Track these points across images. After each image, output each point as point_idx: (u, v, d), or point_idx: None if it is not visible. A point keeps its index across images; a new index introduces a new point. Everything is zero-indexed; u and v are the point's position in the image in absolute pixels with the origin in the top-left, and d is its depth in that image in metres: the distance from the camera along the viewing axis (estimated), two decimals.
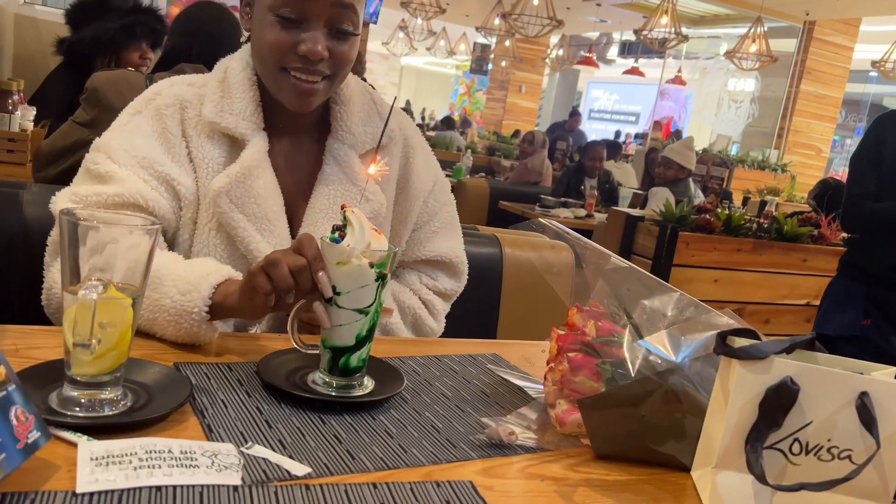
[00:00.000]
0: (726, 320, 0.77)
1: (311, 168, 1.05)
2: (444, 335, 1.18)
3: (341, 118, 1.06)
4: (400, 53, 13.20)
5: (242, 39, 1.26)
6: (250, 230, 0.97)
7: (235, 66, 1.02)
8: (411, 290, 1.14)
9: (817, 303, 2.48)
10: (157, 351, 0.84)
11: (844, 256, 2.21)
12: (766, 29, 7.38)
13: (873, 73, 7.34)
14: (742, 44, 7.28)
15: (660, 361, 0.70)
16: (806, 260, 3.60)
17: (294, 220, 1.04)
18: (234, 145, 1.00)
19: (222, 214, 0.96)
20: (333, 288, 0.74)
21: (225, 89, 1.01)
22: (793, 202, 6.67)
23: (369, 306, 0.75)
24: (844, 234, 2.99)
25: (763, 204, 5.74)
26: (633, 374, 0.70)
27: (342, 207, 0.75)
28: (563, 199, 4.88)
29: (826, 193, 4.17)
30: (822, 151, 8.21)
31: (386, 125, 0.97)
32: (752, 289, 3.56)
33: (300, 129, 1.06)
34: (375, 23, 6.92)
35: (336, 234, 0.74)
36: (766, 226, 3.64)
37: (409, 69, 21.17)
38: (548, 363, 0.81)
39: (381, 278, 0.74)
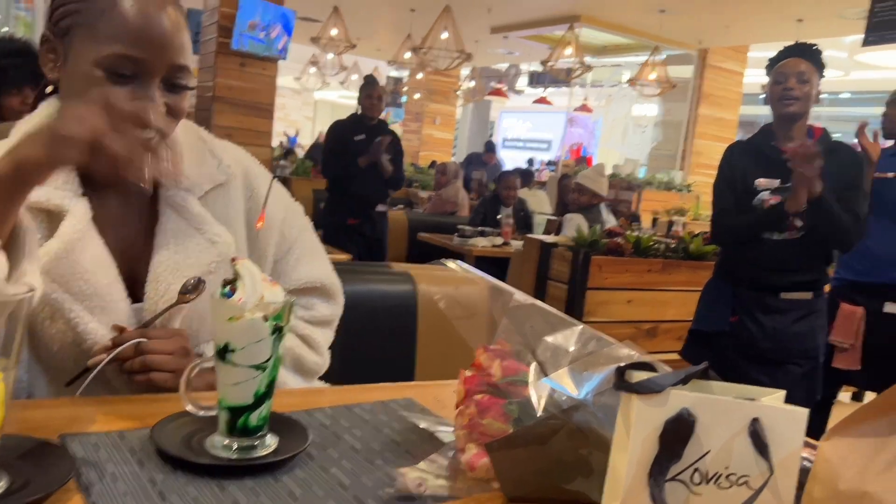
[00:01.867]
0: (626, 352, 0.78)
1: (147, 223, 0.98)
2: (358, 380, 1.15)
3: None
4: (313, 88, 13.16)
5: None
6: (78, 311, 0.89)
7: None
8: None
9: None
10: (38, 424, 0.78)
11: (717, 261, 2.44)
12: (664, 57, 7.76)
13: (764, 96, 7.81)
14: (643, 72, 7.63)
15: (564, 398, 0.70)
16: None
17: (137, 285, 0.95)
18: (54, 218, 0.89)
19: (45, 298, 0.86)
20: (227, 345, 0.71)
21: None
22: (699, 220, 6.97)
23: (266, 361, 0.72)
24: None
25: (671, 224, 5.98)
26: (538, 414, 0.70)
27: (232, 260, 0.72)
28: (480, 229, 4.94)
29: None
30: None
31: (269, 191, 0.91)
32: (665, 307, 3.68)
33: (126, 185, 0.94)
34: (285, 58, 6.86)
35: (227, 289, 0.71)
36: (673, 246, 3.78)
37: (323, 103, 21.11)
38: (456, 406, 0.80)
39: (278, 331, 0.72)
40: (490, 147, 11.36)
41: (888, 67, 8.78)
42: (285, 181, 6.58)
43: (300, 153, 10.42)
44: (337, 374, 1.19)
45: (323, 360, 1.13)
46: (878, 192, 2.59)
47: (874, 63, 9.05)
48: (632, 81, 7.85)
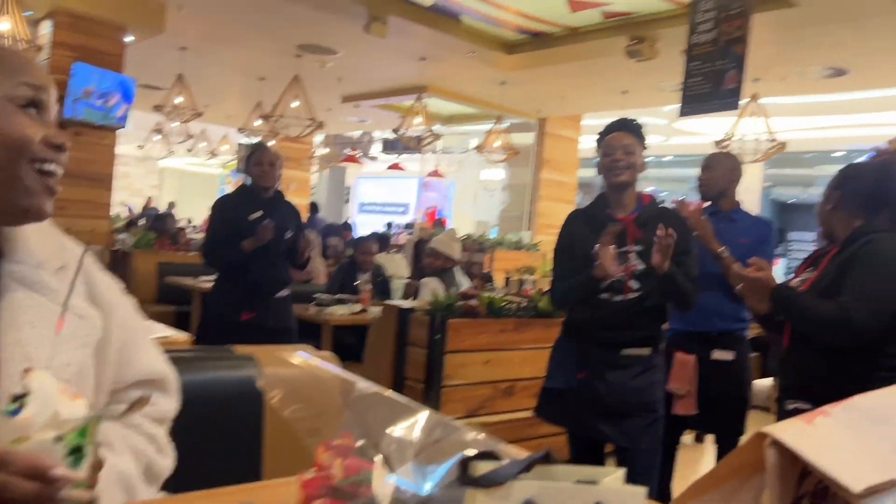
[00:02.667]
0: (472, 436, 0.77)
1: None
2: (197, 483, 1.06)
3: (15, 236, 0.89)
4: (158, 156, 12.61)
5: None
6: None
7: None
8: (132, 428, 0.97)
9: None
10: None
11: (564, 320, 2.53)
12: (507, 125, 8.20)
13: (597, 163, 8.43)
14: (488, 139, 8.01)
15: (409, 495, 0.68)
16: None
17: None
18: None
19: None
20: None
21: None
22: (547, 277, 7.29)
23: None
24: None
25: (521, 282, 6.21)
26: None
27: (24, 371, 0.64)
28: (338, 296, 4.86)
29: None
30: None
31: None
32: (520, 366, 3.77)
33: None
34: (124, 127, 6.53)
35: (14, 406, 0.63)
36: (524, 305, 3.92)
37: (170, 171, 20.25)
38: None
39: (76, 452, 0.63)
40: (346, 226, 11.33)
41: (703, 133, 9.79)
42: (125, 255, 6.18)
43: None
44: (173, 478, 1.08)
45: (171, 462, 1.04)
46: (699, 249, 2.83)
47: (691, 130, 10.08)
48: (479, 148, 8.20)
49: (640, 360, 2.35)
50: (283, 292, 3.65)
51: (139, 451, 0.97)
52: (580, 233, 2.39)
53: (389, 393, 0.81)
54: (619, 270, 2.26)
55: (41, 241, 0.93)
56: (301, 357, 0.92)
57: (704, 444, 4.44)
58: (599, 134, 2.45)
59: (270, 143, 10.82)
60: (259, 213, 3.45)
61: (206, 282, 5.47)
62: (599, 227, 2.33)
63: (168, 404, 1.05)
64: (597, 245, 2.28)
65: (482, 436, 0.78)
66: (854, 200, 2.00)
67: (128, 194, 17.38)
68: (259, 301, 3.51)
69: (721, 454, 3.09)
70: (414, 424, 0.76)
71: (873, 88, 7.04)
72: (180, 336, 2.31)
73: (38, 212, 0.86)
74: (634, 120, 2.45)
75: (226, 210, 3.55)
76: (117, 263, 5.98)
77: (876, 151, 2.37)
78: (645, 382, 2.34)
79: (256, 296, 3.50)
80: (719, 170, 3.02)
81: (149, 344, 1.07)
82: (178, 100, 7.69)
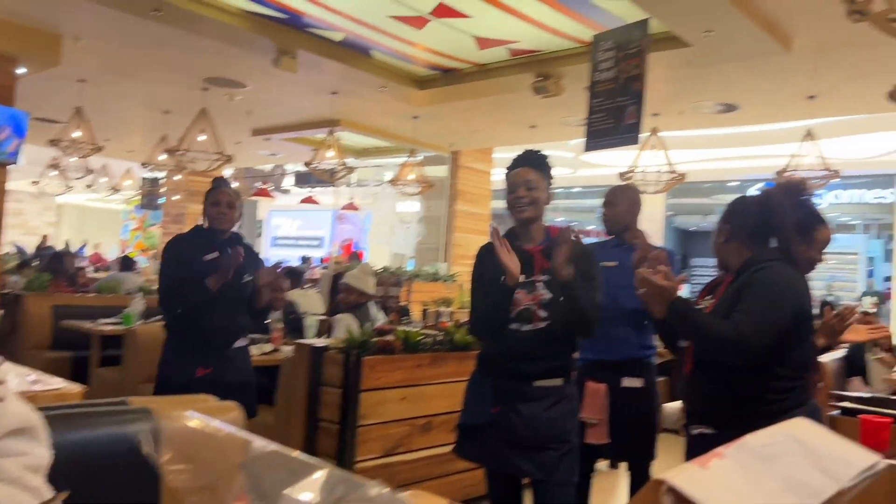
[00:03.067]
0: (376, 492, 0.74)
1: None
2: None
3: None
4: (54, 193, 11.99)
5: None
6: None
7: None
8: (8, 482, 0.91)
9: None
10: None
11: (477, 355, 2.53)
12: (421, 158, 8.27)
13: None
14: (402, 172, 8.04)
15: None
16: None
17: None
18: None
19: None
20: None
21: None
22: (464, 308, 7.33)
23: None
24: None
25: (438, 314, 6.21)
26: None
27: None
28: (249, 337, 4.70)
29: None
30: None
31: None
32: (437, 400, 3.75)
33: None
34: (15, 163, 6.18)
35: None
36: (440, 338, 3.91)
37: (69, 207, 19.30)
38: None
39: None
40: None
41: (608, 165, 10.18)
42: (17, 298, 5.79)
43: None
44: None
45: None
46: (605, 280, 2.90)
47: (597, 162, 10.47)
48: (393, 181, 8.22)
49: (552, 390, 2.36)
50: (241, 342, 3.32)
51: None
52: (491, 265, 2.40)
53: (288, 450, 0.77)
54: (528, 297, 2.30)
55: None
56: (193, 415, 0.87)
57: (619, 470, 4.53)
58: (506, 169, 2.48)
59: (177, 178, 10.51)
60: (215, 255, 3.16)
61: (106, 324, 5.19)
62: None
63: (42, 451, 0.99)
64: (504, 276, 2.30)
65: (386, 491, 0.75)
66: (742, 232, 2.12)
67: (22, 233, 16.39)
68: (214, 354, 3.16)
69: (634, 480, 3.15)
70: (314, 483, 0.72)
71: (762, 123, 7.54)
72: (72, 388, 2.16)
73: None
74: (539, 152, 2.48)
75: (179, 251, 3.23)
76: (7, 307, 5.59)
77: (773, 183, 2.52)
78: (558, 413, 2.35)
79: (212, 348, 3.16)
80: (621, 205, 3.13)
81: (11, 393, 1.00)
82: (76, 134, 7.34)
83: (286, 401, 3.79)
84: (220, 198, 3.24)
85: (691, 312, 1.98)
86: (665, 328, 2.20)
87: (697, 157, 9.99)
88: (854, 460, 0.64)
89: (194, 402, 1.65)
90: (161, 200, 13.00)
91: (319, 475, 0.73)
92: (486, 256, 2.47)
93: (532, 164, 2.42)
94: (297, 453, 0.78)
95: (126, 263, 9.45)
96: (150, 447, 1.08)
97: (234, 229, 3.34)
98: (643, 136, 5.12)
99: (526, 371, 2.35)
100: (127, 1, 4.81)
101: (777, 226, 2.07)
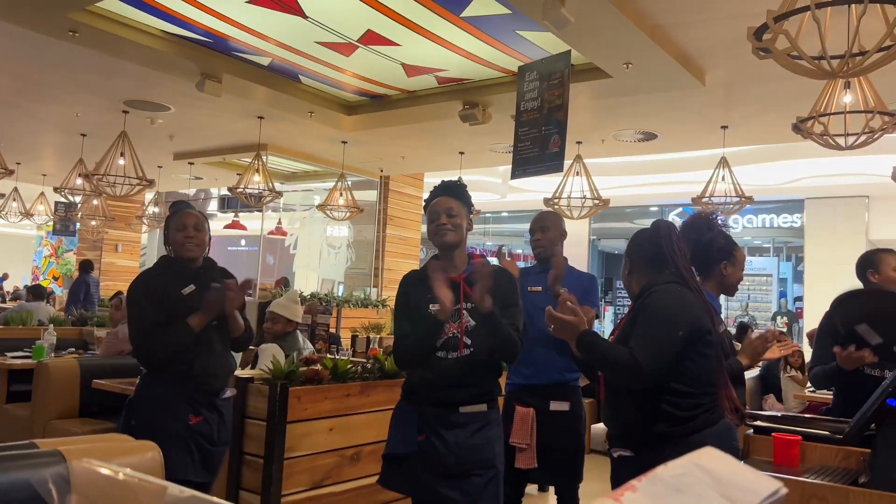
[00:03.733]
0: None
1: None
2: None
3: None
4: None
5: None
6: None
7: None
8: None
9: None
10: None
11: (402, 384, 2.52)
12: (349, 183, 8.24)
13: None
14: (331, 196, 7.98)
15: None
16: None
17: None
18: None
19: None
20: None
21: None
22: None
23: None
24: None
25: (369, 341, 6.16)
26: None
27: None
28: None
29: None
30: None
31: None
32: (366, 430, 3.69)
33: None
34: None
35: None
36: (369, 366, 3.87)
37: None
38: None
39: None
40: None
41: (535, 190, 10.40)
42: None
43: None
44: None
45: None
46: (531, 304, 2.96)
47: (524, 187, 10.67)
48: (322, 206, 8.14)
49: (477, 416, 2.37)
50: (229, 392, 2.96)
51: None
52: (415, 293, 2.42)
53: (206, 497, 0.75)
54: (453, 325, 2.33)
55: None
56: (103, 463, 0.83)
57: (548, 493, 4.57)
58: (425, 201, 2.52)
59: (94, 202, 10.11)
60: (192, 288, 2.78)
61: (15, 358, 4.91)
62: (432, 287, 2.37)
63: None
64: (431, 304, 2.32)
65: None
66: (640, 263, 2.24)
67: None
68: (205, 401, 2.80)
69: (562, 502, 3.19)
70: None
71: (679, 150, 7.88)
72: None
73: None
74: (458, 181, 2.53)
75: (149, 288, 2.78)
76: None
77: (691, 209, 2.66)
78: (483, 439, 2.36)
79: (204, 395, 2.79)
80: (553, 230, 3.20)
81: None
82: None
83: None
84: (185, 221, 2.80)
85: (596, 343, 2.07)
86: (581, 358, 2.27)
87: (620, 182, 10.33)
88: (758, 488, 0.67)
89: (110, 441, 1.58)
90: (77, 226, 12.47)
91: None
92: (411, 284, 2.49)
93: (452, 193, 2.45)
94: (216, 499, 0.75)
95: (37, 292, 8.97)
96: (55, 496, 1.03)
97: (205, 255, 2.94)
98: (567, 162, 5.26)
99: (452, 398, 2.35)
100: (42, 22, 4.63)
101: (667, 252, 2.17)
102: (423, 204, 2.52)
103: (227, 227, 12.10)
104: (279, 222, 11.91)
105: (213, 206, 13.35)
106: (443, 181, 2.51)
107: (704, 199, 6.18)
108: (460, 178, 2.57)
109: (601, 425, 5.91)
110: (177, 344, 2.72)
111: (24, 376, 4.71)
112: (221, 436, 2.87)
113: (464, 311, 2.37)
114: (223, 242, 16.20)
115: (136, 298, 2.79)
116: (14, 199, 10.32)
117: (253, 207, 8.85)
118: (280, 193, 7.61)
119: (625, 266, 2.30)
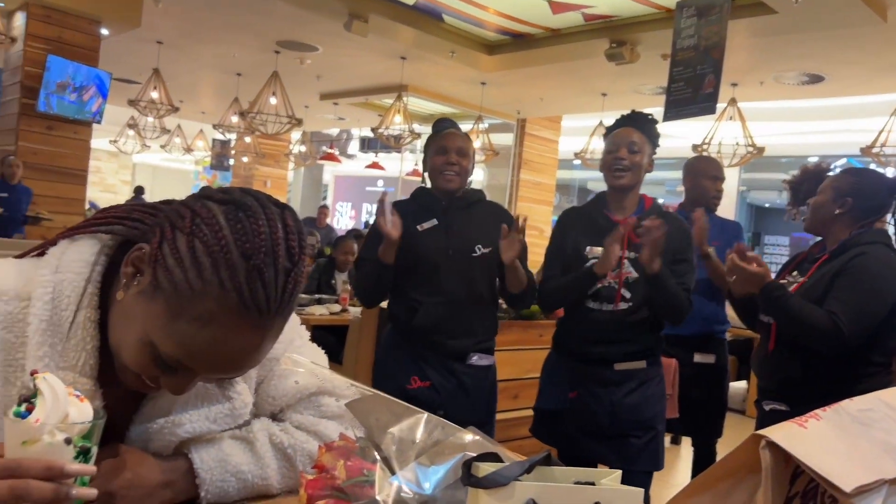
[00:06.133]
0: (471, 438, 0.78)
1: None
2: None
3: None
4: (131, 151, 12.44)
5: None
6: None
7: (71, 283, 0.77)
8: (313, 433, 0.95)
9: None
10: None
11: (553, 334, 2.34)
12: (486, 126, 8.22)
13: (577, 162, 8.50)
14: None
15: (412, 496, 0.69)
16: (542, 335, 3.92)
17: None
18: None
19: None
20: None
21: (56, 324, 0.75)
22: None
23: None
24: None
25: None
26: None
27: (32, 373, 0.64)
28: (316, 296, 4.85)
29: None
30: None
31: None
32: (501, 366, 3.77)
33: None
34: (100, 122, 6.45)
35: (23, 408, 0.63)
36: (504, 307, 3.92)
37: (143, 166, 20.00)
38: None
39: (84, 454, 0.64)
40: (322, 207, 11.29)
41: (682, 136, 9.91)
42: None
43: None
44: None
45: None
46: None
47: (670, 133, 10.19)
48: None
49: (634, 373, 2.14)
50: (477, 358, 2.38)
51: (298, 444, 0.93)
52: (573, 233, 2.22)
53: (388, 396, 0.82)
54: (611, 274, 2.10)
55: None
56: (293, 359, 0.92)
57: (680, 446, 4.51)
58: (607, 128, 2.29)
59: (247, 140, 10.76)
60: (433, 223, 2.29)
61: None
62: (595, 229, 2.17)
63: (334, 403, 0.98)
64: (590, 246, 2.15)
65: (479, 437, 0.79)
66: (862, 210, 2.00)
67: (99, 189, 17.12)
68: (441, 366, 2.30)
69: (698, 456, 3.13)
70: (415, 425, 0.76)
71: (848, 95, 7.19)
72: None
73: None
74: (650, 115, 2.23)
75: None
76: None
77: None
78: (641, 398, 2.14)
79: (437, 356, 2.29)
80: (715, 174, 3.06)
81: (281, 368, 0.97)
82: (154, 95, 7.60)
83: (353, 360, 3.90)
84: (446, 143, 2.27)
85: (785, 298, 1.91)
86: (743, 304, 2.14)
87: (776, 129, 9.59)
88: None
89: None
90: (231, 162, 13.35)
91: (420, 418, 0.77)
92: (567, 224, 2.27)
93: (638, 124, 2.17)
94: (396, 399, 0.82)
95: None
96: None
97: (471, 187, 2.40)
98: (720, 106, 4.97)
99: (604, 354, 2.13)
100: None
101: (889, 207, 2.00)
102: (605, 132, 2.31)
103: (367, 167, 12.50)
104: (416, 164, 12.15)
105: (353, 146, 13.82)
106: (633, 110, 2.25)
107: (875, 150, 5.64)
108: (651, 114, 2.25)
109: (738, 384, 5.69)
110: (361, 279, 2.33)
111: None
112: (456, 411, 2.10)
113: (625, 261, 2.11)
114: (362, 182, 16.79)
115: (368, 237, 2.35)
116: (177, 136, 11.18)
117: (392, 148, 9.09)
118: (419, 135, 7.75)
119: (837, 204, 2.02)
